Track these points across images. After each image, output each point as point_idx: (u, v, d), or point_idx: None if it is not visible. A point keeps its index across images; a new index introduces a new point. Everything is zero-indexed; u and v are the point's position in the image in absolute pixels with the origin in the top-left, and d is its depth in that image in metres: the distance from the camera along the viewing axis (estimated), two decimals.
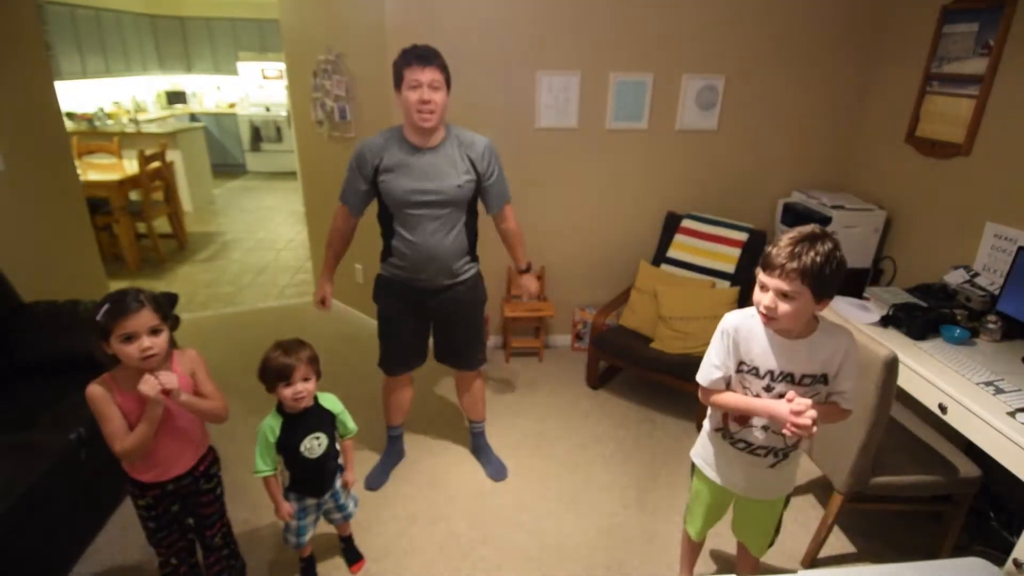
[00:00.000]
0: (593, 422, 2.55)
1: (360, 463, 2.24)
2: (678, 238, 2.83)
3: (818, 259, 1.08)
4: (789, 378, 1.21)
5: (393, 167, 1.75)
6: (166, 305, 1.31)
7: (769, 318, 1.16)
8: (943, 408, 1.65)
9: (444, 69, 1.70)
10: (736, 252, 2.68)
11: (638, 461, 2.31)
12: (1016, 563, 1.42)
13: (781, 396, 1.20)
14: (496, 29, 2.58)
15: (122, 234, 4.10)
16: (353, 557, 1.82)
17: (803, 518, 2.01)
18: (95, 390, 1.25)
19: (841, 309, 2.05)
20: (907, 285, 2.27)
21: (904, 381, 1.74)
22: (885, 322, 1.99)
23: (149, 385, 1.21)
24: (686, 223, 2.83)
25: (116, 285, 3.77)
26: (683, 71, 2.71)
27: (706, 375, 1.31)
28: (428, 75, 1.65)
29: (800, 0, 2.63)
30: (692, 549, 1.68)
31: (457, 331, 2.02)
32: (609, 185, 2.91)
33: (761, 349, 1.22)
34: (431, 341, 2.09)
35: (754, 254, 2.67)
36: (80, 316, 2.14)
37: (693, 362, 2.36)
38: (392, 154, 1.75)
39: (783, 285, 1.11)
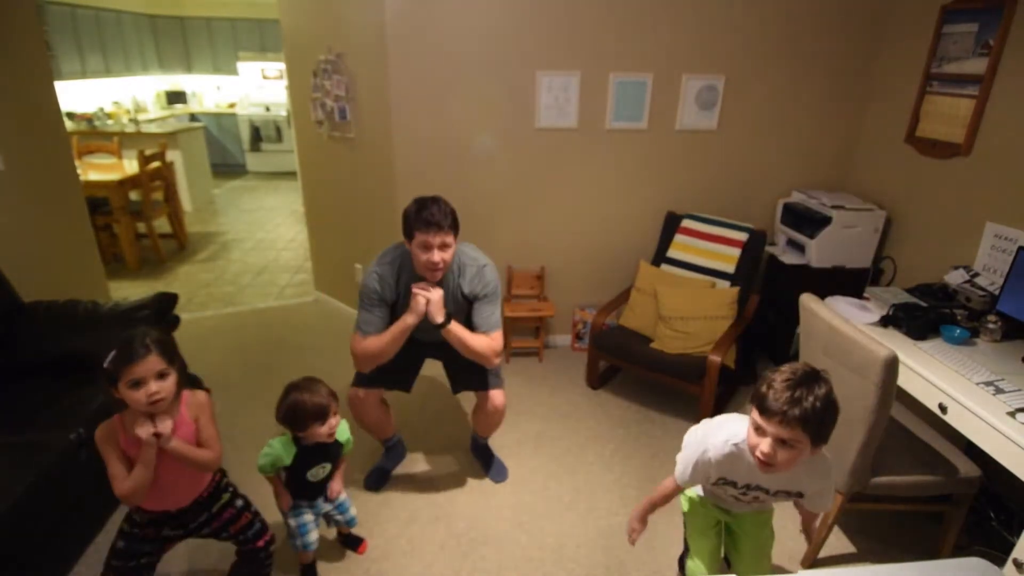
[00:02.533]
0: (593, 422, 2.55)
1: (360, 463, 2.24)
2: (678, 238, 2.83)
3: (817, 404, 1.05)
4: (764, 490, 1.27)
5: (406, 299, 1.80)
6: (173, 347, 1.29)
7: (767, 464, 1.11)
8: (943, 408, 1.65)
9: (455, 226, 1.75)
10: (736, 252, 2.68)
11: (638, 461, 2.31)
12: (1016, 563, 1.42)
13: (757, 499, 1.31)
14: (496, 29, 2.58)
15: (122, 234, 4.10)
16: (355, 542, 1.87)
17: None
18: (98, 434, 1.27)
19: (841, 309, 2.05)
20: (907, 285, 2.27)
21: (904, 381, 1.74)
22: (885, 322, 1.99)
23: (143, 429, 1.23)
24: (686, 223, 2.83)
25: (116, 285, 3.78)
26: (683, 71, 2.71)
27: (682, 476, 1.36)
28: (440, 238, 1.70)
29: (800, 0, 2.63)
30: None
31: (456, 356, 1.90)
32: (609, 185, 2.91)
33: (743, 471, 1.26)
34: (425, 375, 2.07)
35: (754, 254, 2.67)
36: (79, 316, 2.14)
37: (693, 362, 2.39)
38: (406, 282, 1.82)
39: (783, 433, 1.07)
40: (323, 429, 1.53)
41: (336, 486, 1.72)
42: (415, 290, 1.75)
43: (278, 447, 1.57)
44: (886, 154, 2.72)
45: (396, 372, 1.96)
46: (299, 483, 1.63)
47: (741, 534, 1.47)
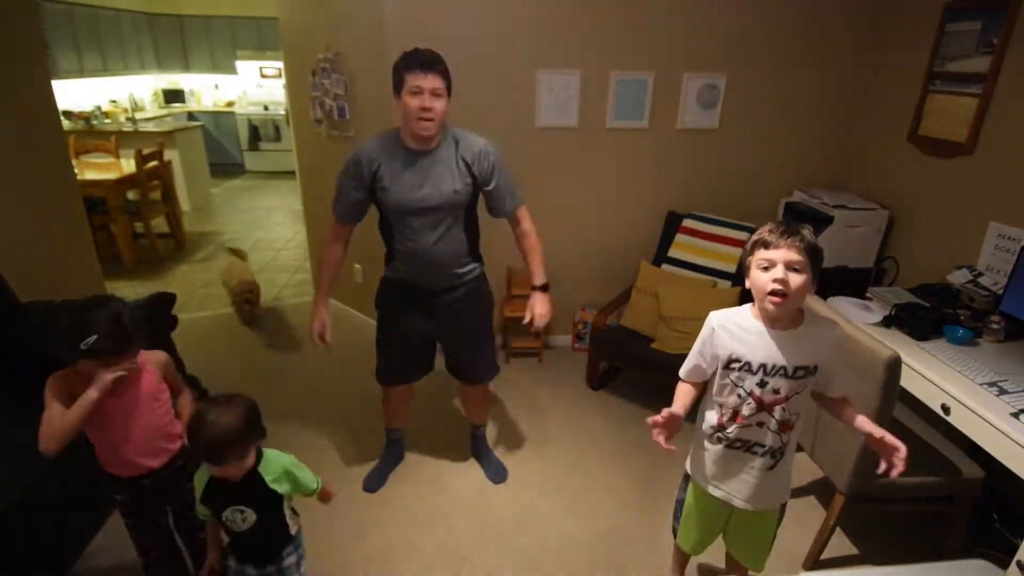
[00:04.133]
0: (594, 423, 2.54)
1: (358, 464, 2.23)
2: (679, 238, 2.82)
3: (808, 234, 1.14)
4: (783, 372, 1.19)
5: (389, 176, 1.70)
6: (138, 324, 1.27)
7: (782, 296, 1.12)
8: (946, 409, 1.64)
9: (446, 76, 1.65)
10: (737, 252, 2.67)
11: (639, 462, 2.30)
12: (1020, 565, 1.41)
13: (776, 392, 1.20)
14: (496, 27, 2.57)
15: (119, 234, 4.08)
16: None
17: (805, 519, 2.00)
18: (53, 379, 1.26)
19: (843, 309, 2.04)
20: (910, 285, 2.26)
21: (907, 382, 1.72)
22: (888, 322, 1.98)
23: (102, 382, 1.22)
24: (687, 223, 2.82)
25: (113, 285, 3.76)
26: (684, 70, 2.69)
27: (684, 368, 1.36)
28: (431, 82, 1.59)
29: None
30: (682, 562, 1.65)
31: (463, 339, 1.96)
32: (610, 184, 2.90)
33: (752, 342, 1.21)
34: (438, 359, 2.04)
35: None
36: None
37: None
38: (389, 163, 1.70)
39: (791, 256, 1.12)
40: (230, 469, 1.18)
41: (329, 489, 1.40)
42: None
43: (196, 475, 1.26)
44: (889, 153, 2.71)
45: (414, 369, 2.01)
46: (228, 531, 1.29)
47: (736, 528, 1.43)
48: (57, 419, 1.23)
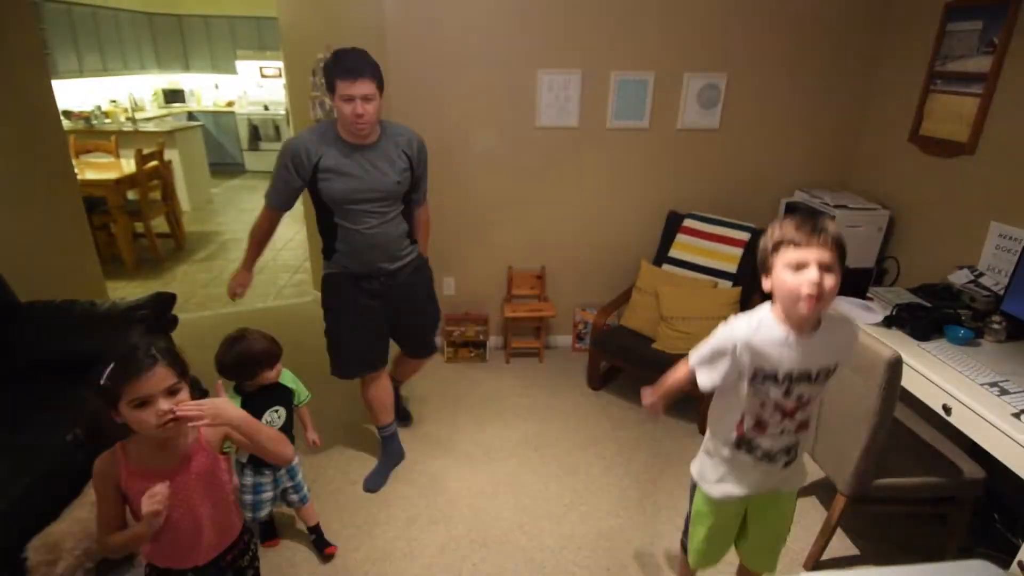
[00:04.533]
0: (594, 423, 2.54)
1: (357, 464, 2.23)
2: (680, 238, 2.81)
3: (835, 228, 1.07)
4: (807, 377, 1.14)
5: (332, 168, 1.75)
6: (181, 356, 1.07)
7: (817, 299, 1.04)
8: (947, 409, 1.63)
9: (376, 75, 1.67)
10: (738, 252, 2.67)
11: (639, 462, 2.29)
12: (1021, 565, 1.41)
13: (800, 398, 1.16)
14: (496, 27, 2.56)
15: (119, 233, 4.08)
16: (323, 544, 1.84)
17: (806, 520, 2.00)
18: (97, 466, 1.05)
19: (844, 309, 2.04)
20: (910, 285, 2.25)
21: (908, 382, 1.72)
22: (888, 322, 1.97)
23: (152, 501, 0.99)
24: (688, 223, 2.81)
25: (113, 285, 3.76)
26: (684, 69, 2.69)
27: (700, 372, 1.24)
28: (360, 88, 1.63)
29: None
30: None
31: (409, 316, 2.07)
32: (610, 184, 2.89)
33: (777, 351, 1.13)
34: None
35: (756, 254, 2.65)
36: (77, 316, 2.13)
37: None
38: (330, 154, 1.74)
39: (824, 255, 1.04)
40: (272, 373, 1.60)
41: (311, 435, 1.81)
42: None
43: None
44: (889, 153, 2.70)
45: (378, 355, 2.04)
46: None
47: (753, 519, 1.37)
48: (111, 526, 1.04)
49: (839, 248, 1.06)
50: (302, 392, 1.75)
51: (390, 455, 2.20)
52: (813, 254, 1.05)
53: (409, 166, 1.85)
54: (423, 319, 2.14)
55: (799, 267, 1.06)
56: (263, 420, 1.58)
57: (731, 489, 1.30)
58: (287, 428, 1.69)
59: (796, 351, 1.12)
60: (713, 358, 1.20)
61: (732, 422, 1.25)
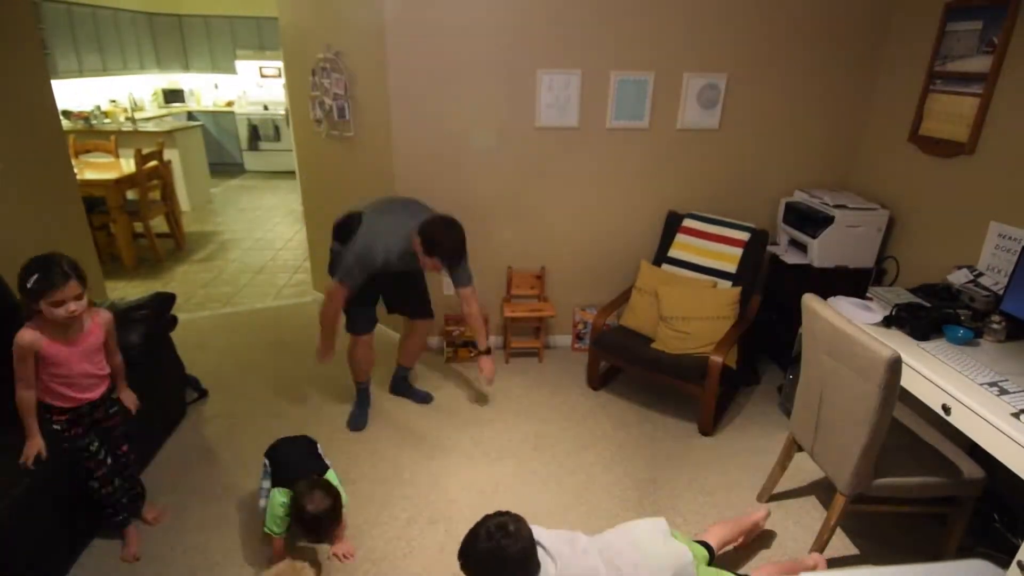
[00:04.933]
0: (594, 423, 2.53)
1: (356, 464, 2.23)
2: (679, 238, 2.81)
3: None
4: None
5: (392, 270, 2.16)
6: (83, 272, 1.53)
7: None
8: (947, 409, 1.63)
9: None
10: (738, 252, 2.67)
11: (639, 462, 2.29)
12: (1020, 565, 1.41)
13: None
14: (496, 27, 2.56)
15: (119, 234, 4.08)
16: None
17: (806, 520, 2.00)
18: (26, 335, 1.48)
19: (843, 309, 2.03)
20: (910, 285, 2.25)
21: (907, 382, 1.72)
22: (888, 322, 1.97)
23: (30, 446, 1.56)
24: (687, 222, 2.81)
25: (113, 285, 3.76)
26: (684, 69, 2.69)
27: None
28: None
29: None
30: None
31: (410, 286, 2.42)
32: (610, 184, 2.89)
33: None
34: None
35: (756, 254, 2.66)
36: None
37: (694, 363, 2.38)
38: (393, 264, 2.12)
39: None
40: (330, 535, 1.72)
41: (341, 547, 1.78)
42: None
43: (275, 495, 1.69)
44: (889, 153, 2.70)
45: (370, 315, 2.38)
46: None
47: None
48: (29, 382, 1.53)
49: None
50: (345, 501, 1.74)
51: (364, 401, 2.52)
52: None
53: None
54: (420, 287, 2.47)
55: None
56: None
57: None
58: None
59: None
60: None
61: None
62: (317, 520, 1.59)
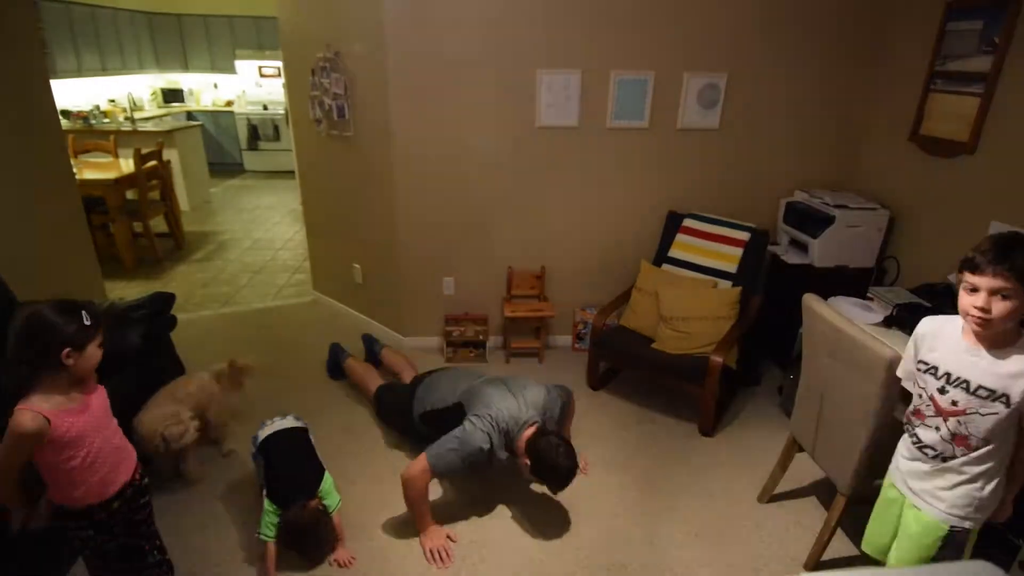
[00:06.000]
0: (594, 423, 2.53)
1: (356, 464, 2.22)
2: (680, 238, 2.81)
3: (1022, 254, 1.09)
4: (964, 385, 1.20)
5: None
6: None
7: (983, 321, 1.12)
8: None
9: None
10: (738, 252, 2.67)
11: (639, 463, 2.29)
12: (1022, 566, 1.40)
13: (954, 403, 1.22)
14: (495, 27, 2.56)
15: (118, 233, 4.07)
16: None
17: (806, 520, 2.00)
18: (28, 425, 1.15)
19: (844, 309, 2.03)
20: (911, 285, 2.25)
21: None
22: (888, 322, 1.97)
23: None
24: (688, 223, 2.81)
25: (112, 285, 3.75)
26: (684, 69, 2.69)
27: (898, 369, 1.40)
28: None
29: None
30: None
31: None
32: (610, 184, 2.89)
33: (944, 351, 1.24)
34: None
35: (757, 254, 2.66)
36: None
37: (695, 363, 2.37)
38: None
39: (998, 282, 1.09)
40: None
41: (340, 555, 1.80)
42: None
43: (268, 503, 1.70)
44: (890, 153, 2.70)
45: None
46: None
47: (903, 528, 1.38)
48: (10, 476, 1.21)
49: (1020, 273, 1.08)
50: (333, 499, 1.79)
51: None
52: (986, 281, 1.11)
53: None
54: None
55: (973, 290, 1.14)
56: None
57: (893, 470, 1.42)
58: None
59: (962, 356, 1.21)
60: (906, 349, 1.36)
61: (911, 406, 1.36)
62: (301, 540, 1.71)
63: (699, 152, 2.86)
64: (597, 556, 1.85)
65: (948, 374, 1.22)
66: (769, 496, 2.08)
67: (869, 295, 2.20)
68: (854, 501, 1.67)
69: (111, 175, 3.99)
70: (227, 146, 7.48)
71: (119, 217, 4.02)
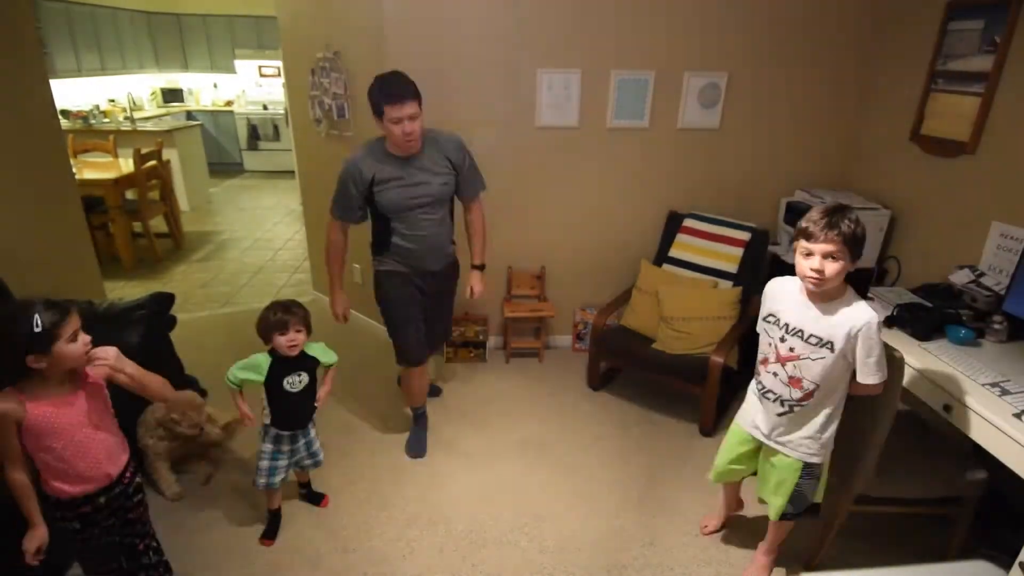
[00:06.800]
0: (594, 423, 2.53)
1: (356, 465, 2.22)
2: (680, 237, 2.81)
3: (851, 222, 1.30)
4: (799, 334, 1.43)
5: (387, 179, 1.94)
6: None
7: (819, 280, 1.32)
8: (948, 409, 1.63)
9: (418, 95, 1.85)
10: (738, 252, 2.66)
11: (639, 462, 2.29)
12: (1022, 566, 1.40)
13: (791, 350, 1.45)
14: (496, 26, 2.56)
15: (118, 233, 4.07)
16: (317, 498, 2.03)
17: (805, 519, 1.99)
18: (2, 403, 1.17)
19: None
20: (912, 285, 2.25)
21: (909, 382, 1.72)
22: (890, 322, 1.97)
23: (101, 362, 1.26)
24: (688, 222, 2.81)
25: (112, 285, 3.75)
26: (685, 69, 2.68)
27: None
28: (407, 109, 1.80)
29: None
30: (721, 497, 1.93)
31: (446, 310, 2.30)
32: (610, 184, 2.89)
33: (787, 304, 1.46)
34: None
35: (757, 253, 2.65)
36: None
37: (695, 363, 2.37)
38: (384, 168, 1.94)
39: (829, 246, 1.29)
40: (283, 339, 1.69)
41: (321, 392, 1.85)
42: None
43: (257, 356, 1.73)
44: (890, 152, 2.70)
45: (426, 338, 2.19)
46: (280, 398, 1.75)
47: (763, 469, 1.64)
48: (19, 458, 1.23)
49: (850, 242, 1.30)
50: (327, 357, 1.84)
51: (422, 425, 2.37)
52: (819, 247, 1.31)
53: (452, 168, 2.01)
54: (444, 321, 2.33)
55: (808, 254, 1.34)
56: (285, 382, 1.73)
57: (743, 418, 1.66)
58: (308, 392, 1.80)
59: (800, 308, 1.43)
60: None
61: (758, 357, 1.58)
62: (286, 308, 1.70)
63: (699, 152, 2.86)
64: (597, 556, 1.85)
65: (787, 324, 1.45)
66: None
67: (870, 295, 2.20)
68: (856, 501, 1.67)
69: (111, 175, 3.99)
70: (227, 146, 7.48)
71: (119, 217, 4.02)
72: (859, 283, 2.54)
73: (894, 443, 1.73)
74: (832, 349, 1.38)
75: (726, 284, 2.65)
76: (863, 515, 1.96)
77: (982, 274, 2.07)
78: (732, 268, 2.66)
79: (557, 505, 2.06)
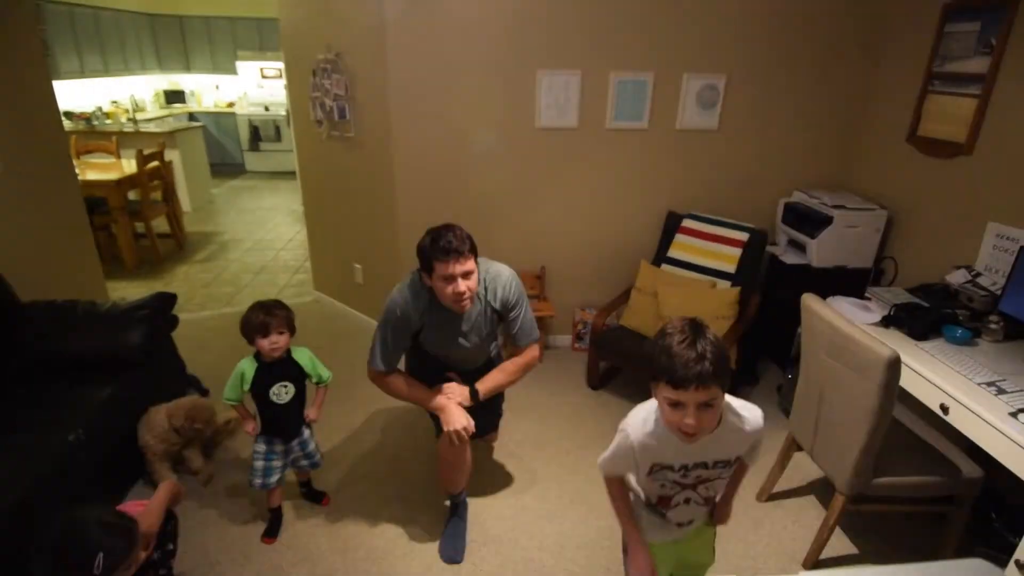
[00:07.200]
0: (594, 423, 2.54)
1: (355, 464, 2.23)
2: (679, 238, 2.82)
3: (714, 350, 1.00)
4: (703, 465, 1.18)
5: (432, 331, 1.77)
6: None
7: (694, 435, 1.05)
8: (945, 409, 1.64)
9: (473, 249, 1.63)
10: (737, 252, 2.67)
11: None
12: (1018, 564, 1.41)
13: (698, 478, 1.20)
14: (496, 27, 2.57)
15: (120, 234, 4.09)
16: (317, 497, 2.03)
17: (805, 519, 2.01)
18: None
19: (843, 309, 2.04)
20: (908, 285, 2.26)
21: (906, 382, 1.73)
22: (886, 322, 1.98)
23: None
24: (687, 223, 2.82)
25: (114, 285, 3.77)
26: (684, 70, 2.70)
27: (608, 469, 1.31)
28: (461, 267, 1.58)
29: None
30: None
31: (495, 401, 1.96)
32: (609, 185, 2.90)
33: (670, 450, 1.16)
34: None
35: (755, 254, 2.66)
36: (78, 317, 2.13)
37: None
38: (431, 317, 1.73)
39: (702, 395, 1.00)
40: (264, 342, 1.68)
41: (310, 412, 1.85)
42: (445, 397, 1.74)
43: (242, 362, 1.73)
44: (888, 153, 2.71)
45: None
46: (267, 408, 1.75)
47: (687, 555, 1.40)
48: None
49: (717, 377, 1.00)
50: (319, 373, 1.83)
51: (462, 516, 1.95)
52: (690, 396, 1.00)
53: (499, 317, 1.84)
54: (495, 406, 2.01)
55: (676, 404, 1.03)
56: (271, 392, 1.73)
57: (655, 537, 1.34)
58: (295, 404, 1.79)
59: (688, 449, 1.13)
60: (615, 459, 1.26)
61: (642, 493, 1.30)
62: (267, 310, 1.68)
63: (698, 153, 2.87)
64: (597, 556, 1.86)
65: (684, 465, 1.17)
66: (768, 495, 2.09)
67: (867, 295, 2.21)
68: (852, 500, 1.68)
69: (113, 176, 4.00)
70: (229, 147, 7.50)
71: (121, 218, 4.04)
72: (857, 283, 2.58)
73: (891, 442, 1.75)
74: (736, 460, 1.21)
75: (724, 284, 2.66)
76: (860, 514, 1.98)
77: (978, 274, 2.08)
78: (731, 268, 2.67)
79: (557, 504, 2.07)
